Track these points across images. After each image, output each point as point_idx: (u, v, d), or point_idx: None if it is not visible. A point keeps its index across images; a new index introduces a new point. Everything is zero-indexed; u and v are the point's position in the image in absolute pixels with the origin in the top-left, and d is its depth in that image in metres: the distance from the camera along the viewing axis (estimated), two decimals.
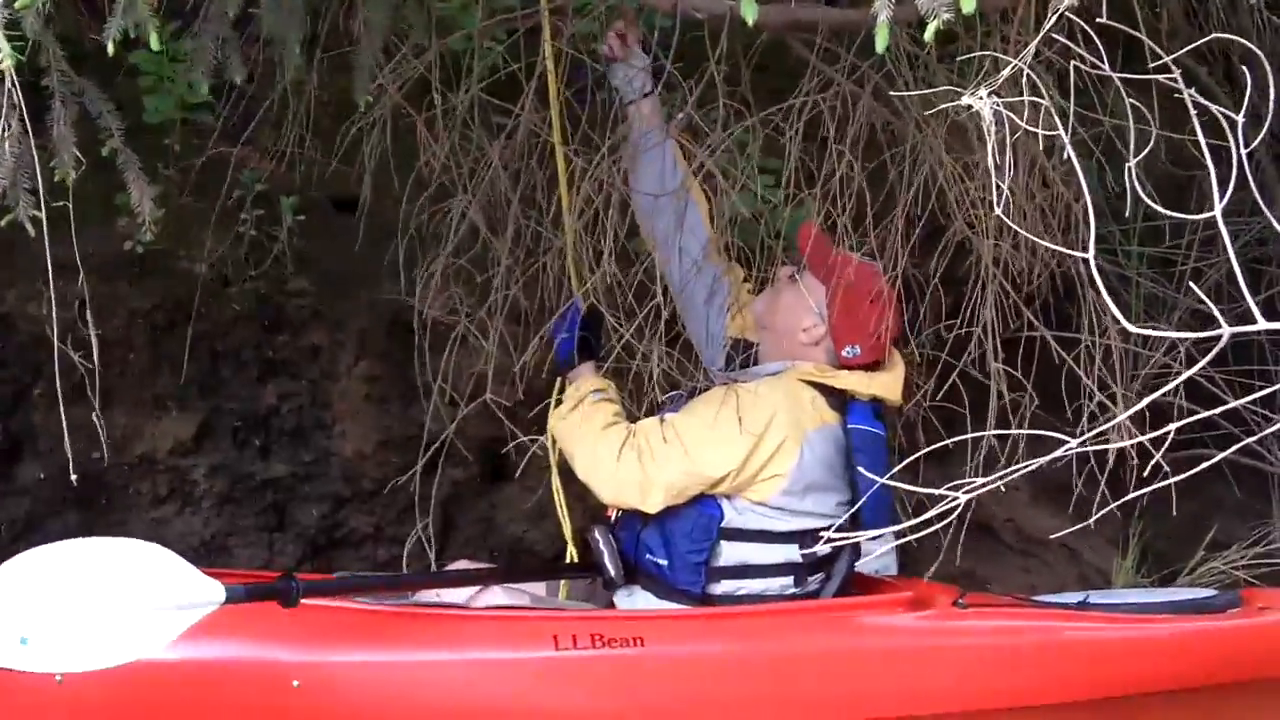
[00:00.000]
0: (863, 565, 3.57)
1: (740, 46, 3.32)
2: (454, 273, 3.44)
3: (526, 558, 3.72)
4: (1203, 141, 1.84)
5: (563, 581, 3.24)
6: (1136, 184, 1.88)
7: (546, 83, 3.22)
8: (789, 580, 3.01)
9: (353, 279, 3.66)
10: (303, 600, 2.60)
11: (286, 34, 2.85)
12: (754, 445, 2.93)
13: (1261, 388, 4.06)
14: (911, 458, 2.39)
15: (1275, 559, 4.45)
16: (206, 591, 2.47)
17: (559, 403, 3.14)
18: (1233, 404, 1.99)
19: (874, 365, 3.14)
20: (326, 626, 2.73)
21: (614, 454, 2.95)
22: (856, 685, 2.94)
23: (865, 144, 3.20)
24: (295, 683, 2.66)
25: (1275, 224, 3.22)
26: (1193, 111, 1.87)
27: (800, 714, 2.92)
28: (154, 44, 2.20)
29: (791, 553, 2.99)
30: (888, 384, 3.13)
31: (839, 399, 3.07)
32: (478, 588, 3.02)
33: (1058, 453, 2.06)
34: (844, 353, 3.12)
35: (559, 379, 3.19)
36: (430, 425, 3.49)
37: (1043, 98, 2.03)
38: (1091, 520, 2.51)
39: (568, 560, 3.21)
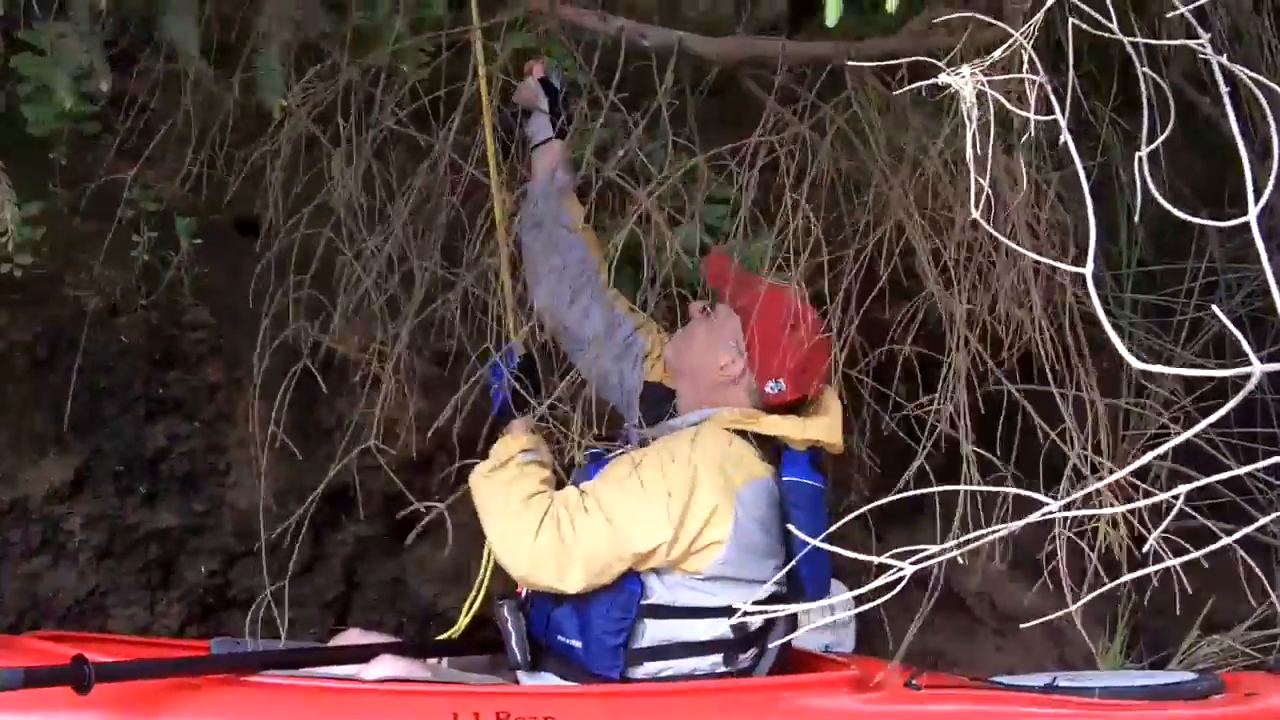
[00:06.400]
0: (815, 641, 3.50)
1: (689, 81, 3.29)
2: (369, 310, 3.39)
3: (433, 627, 3.66)
4: (1233, 121, 1.73)
5: None
6: (1148, 179, 1.74)
7: (473, 109, 3.19)
8: (719, 658, 2.92)
9: (256, 311, 3.59)
10: (98, 685, 2.50)
11: (183, 35, 2.83)
12: (684, 511, 2.85)
13: (1268, 454, 4.05)
14: (852, 515, 2.30)
15: (1278, 641, 4.39)
16: None
17: (486, 456, 3.05)
18: (1237, 470, 1.89)
19: (801, 403, 3.05)
20: (194, 700, 2.66)
21: (533, 529, 2.86)
22: None
23: (826, 192, 3.15)
24: None
25: None
26: (1223, 89, 1.74)
27: None
28: None
29: (722, 627, 2.90)
30: (824, 428, 3.04)
31: (771, 449, 2.99)
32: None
33: (1030, 518, 1.96)
34: (767, 388, 3.03)
35: (491, 428, 3.09)
36: (336, 475, 3.43)
37: (1038, 75, 1.84)
38: (1077, 605, 2.43)
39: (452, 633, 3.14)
